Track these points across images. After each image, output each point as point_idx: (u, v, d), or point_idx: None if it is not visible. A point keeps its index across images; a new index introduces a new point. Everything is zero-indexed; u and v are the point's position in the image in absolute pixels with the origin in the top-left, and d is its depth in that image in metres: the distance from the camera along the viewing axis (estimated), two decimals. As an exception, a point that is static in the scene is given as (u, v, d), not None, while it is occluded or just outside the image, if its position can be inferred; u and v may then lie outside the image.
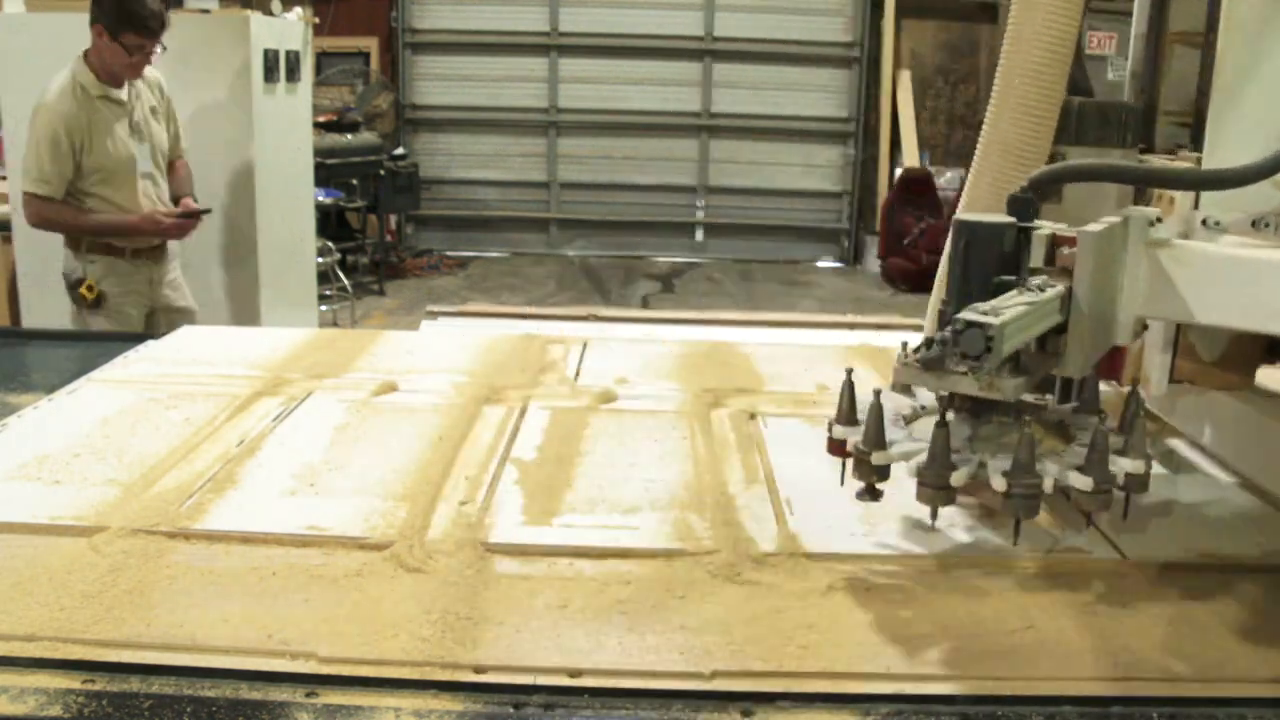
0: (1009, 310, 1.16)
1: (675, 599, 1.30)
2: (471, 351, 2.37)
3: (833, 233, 11.29)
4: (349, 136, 8.89)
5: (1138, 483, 1.33)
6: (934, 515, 1.35)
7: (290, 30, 5.37)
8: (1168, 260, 1.32)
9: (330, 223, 8.52)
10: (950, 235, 1.33)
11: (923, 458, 1.27)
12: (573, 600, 1.29)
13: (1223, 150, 1.35)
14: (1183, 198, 1.44)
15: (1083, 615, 1.29)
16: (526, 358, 2.32)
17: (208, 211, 3.87)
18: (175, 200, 3.90)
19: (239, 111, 4.86)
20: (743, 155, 11.16)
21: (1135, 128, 1.61)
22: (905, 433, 1.37)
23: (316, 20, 6.14)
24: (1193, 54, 1.70)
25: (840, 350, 2.48)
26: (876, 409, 1.31)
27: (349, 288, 7.67)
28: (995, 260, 1.29)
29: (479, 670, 1.15)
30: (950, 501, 1.30)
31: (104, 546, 1.38)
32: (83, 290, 3.65)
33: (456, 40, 10.90)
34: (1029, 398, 1.36)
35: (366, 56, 10.79)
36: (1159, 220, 1.36)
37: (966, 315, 1.12)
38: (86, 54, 3.58)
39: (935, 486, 1.26)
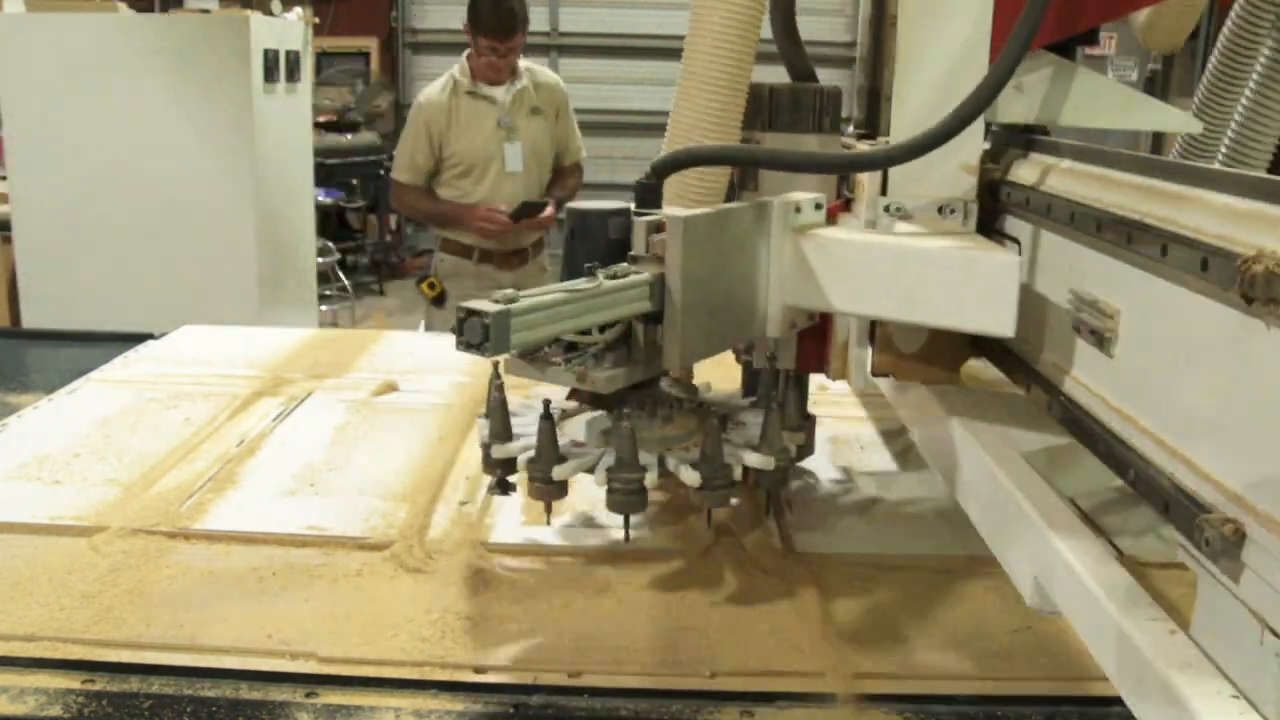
0: (532, 298, 1.07)
1: (675, 599, 1.30)
2: (471, 351, 2.37)
3: (833, 233, 11.28)
4: (349, 136, 8.89)
5: (805, 450, 1.36)
6: (548, 510, 1.33)
7: (290, 30, 5.37)
8: (808, 248, 1.26)
9: (330, 223, 8.52)
10: (566, 221, 1.30)
11: (601, 459, 1.24)
12: (572, 600, 1.29)
13: (901, 133, 1.27)
14: (871, 184, 1.32)
15: (1083, 615, 1.29)
16: (526, 358, 2.31)
17: (542, 206, 3.61)
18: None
19: (239, 111, 4.86)
20: (743, 155, 11.15)
21: (834, 112, 1.46)
22: (563, 436, 1.32)
23: (316, 20, 6.13)
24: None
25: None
26: (500, 402, 1.31)
27: (349, 288, 7.67)
28: (604, 249, 1.23)
29: (479, 670, 1.15)
30: (561, 496, 1.26)
31: (104, 546, 1.38)
32: (424, 286, 3.74)
33: (456, 40, 10.86)
34: (675, 391, 1.37)
35: (366, 56, 10.79)
36: (818, 206, 1.31)
37: (470, 304, 1.03)
38: (468, 54, 3.64)
39: (627, 493, 1.21)
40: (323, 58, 9.75)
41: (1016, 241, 1.27)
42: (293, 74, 5.34)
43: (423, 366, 2.23)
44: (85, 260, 4.96)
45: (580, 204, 1.28)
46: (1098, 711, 1.12)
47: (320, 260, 6.45)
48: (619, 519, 1.50)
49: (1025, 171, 1.29)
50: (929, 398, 1.40)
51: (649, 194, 1.28)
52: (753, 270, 1.27)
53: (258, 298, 5.02)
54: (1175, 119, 1.54)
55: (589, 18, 10.79)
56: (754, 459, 1.25)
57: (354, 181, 8.77)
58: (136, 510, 1.48)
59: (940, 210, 1.31)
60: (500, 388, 1.32)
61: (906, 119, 1.28)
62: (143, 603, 1.26)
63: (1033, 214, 1.23)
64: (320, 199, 7.25)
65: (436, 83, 3.68)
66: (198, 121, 4.86)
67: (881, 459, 1.77)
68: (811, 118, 1.45)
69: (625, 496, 1.21)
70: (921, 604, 1.30)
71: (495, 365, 1.27)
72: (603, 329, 1.15)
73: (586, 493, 1.59)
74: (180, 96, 4.83)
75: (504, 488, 1.32)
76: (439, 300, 3.73)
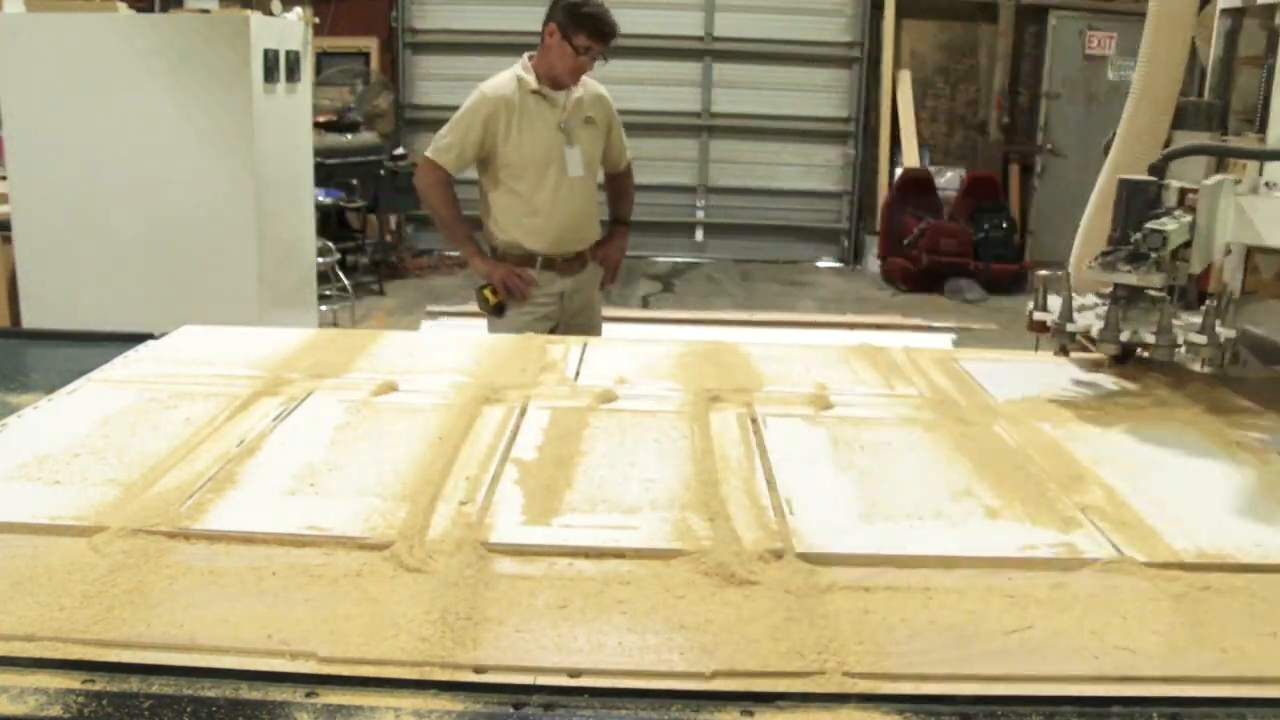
0: (1169, 224, 1.97)
1: (675, 599, 1.30)
2: (471, 351, 2.37)
3: (833, 233, 11.27)
4: (349, 136, 8.88)
5: (1231, 344, 2.16)
6: (1110, 359, 2.25)
7: (290, 30, 5.37)
8: (1248, 205, 2.14)
9: (330, 223, 8.51)
10: (1117, 189, 2.09)
11: (1100, 325, 2.08)
12: (573, 600, 1.29)
13: (1277, 137, 2.18)
14: (1251, 168, 2.20)
15: (1083, 615, 1.29)
16: (526, 358, 2.32)
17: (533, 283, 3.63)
18: (614, 220, 3.92)
19: (239, 111, 4.86)
20: (743, 155, 11.14)
21: (1219, 119, 2.49)
22: (1078, 318, 2.14)
23: (316, 20, 6.13)
24: (1256, 70, 2.49)
25: (840, 350, 2.48)
26: (1068, 299, 2.13)
27: (349, 288, 7.66)
28: (1145, 203, 2.06)
29: (479, 670, 1.15)
30: (1118, 351, 2.15)
31: (104, 546, 1.38)
32: (486, 293, 3.64)
33: (456, 40, 10.89)
34: (1156, 293, 2.07)
35: (366, 56, 10.78)
36: (1238, 181, 2.17)
37: (1149, 226, 1.95)
38: (531, 56, 3.61)
39: (1111, 341, 2.07)
40: (323, 58, 9.75)
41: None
42: (293, 74, 5.34)
43: (423, 366, 2.23)
44: (85, 260, 4.96)
45: (1128, 177, 2.10)
46: (1097, 711, 1.13)
47: (320, 260, 6.44)
48: (618, 519, 1.51)
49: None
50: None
51: (1158, 171, 2.11)
52: (1214, 218, 2.12)
53: (258, 298, 5.02)
54: None
55: (589, 18, 10.77)
56: (1195, 338, 2.07)
57: (354, 181, 8.76)
58: (136, 510, 1.48)
59: None
60: (1069, 284, 2.18)
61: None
62: (143, 603, 1.26)
63: None
64: (320, 199, 7.24)
65: (501, 77, 3.61)
66: (198, 121, 4.86)
67: (882, 459, 1.77)
68: (1207, 122, 2.47)
69: (1166, 349, 2.06)
70: (921, 604, 1.30)
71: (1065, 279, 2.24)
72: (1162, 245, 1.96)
73: (587, 493, 1.60)
74: (180, 96, 4.83)
75: (1065, 352, 2.26)
76: (500, 309, 3.65)
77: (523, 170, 3.57)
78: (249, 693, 1.11)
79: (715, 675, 1.15)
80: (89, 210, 4.93)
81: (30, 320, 4.96)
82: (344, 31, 10.41)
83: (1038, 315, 2.18)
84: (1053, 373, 2.30)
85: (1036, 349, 2.22)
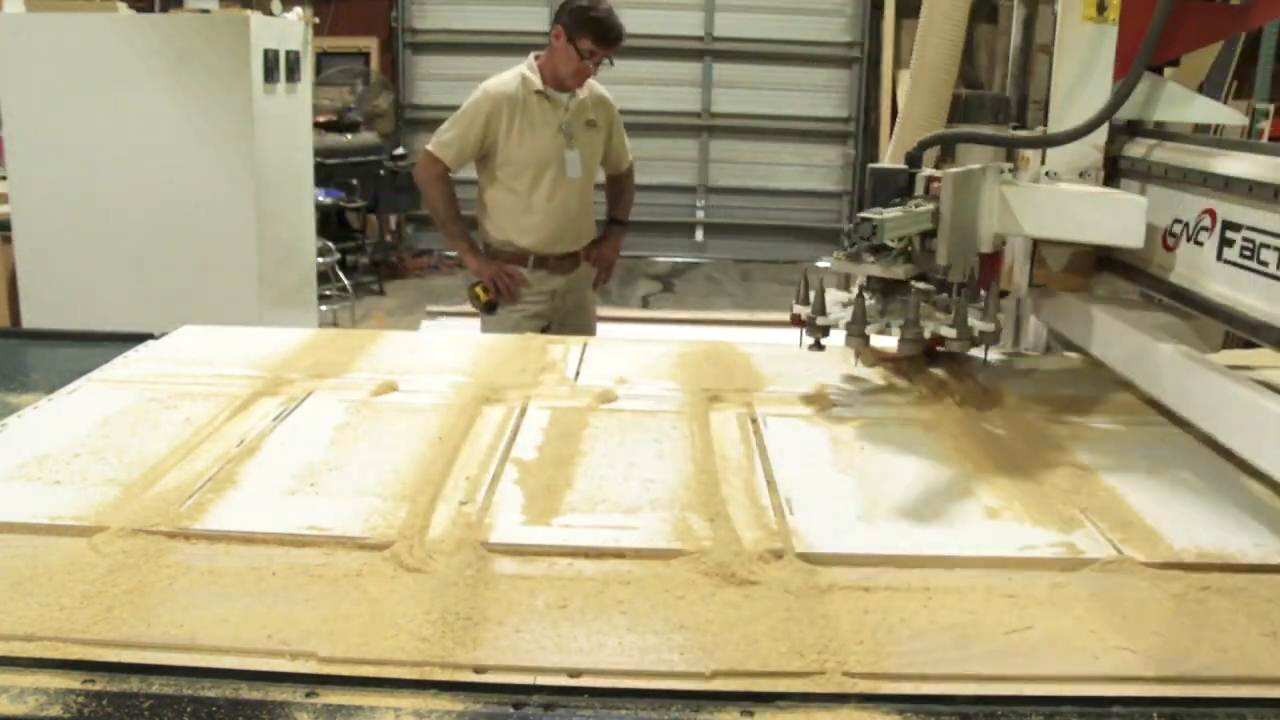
0: (889, 213, 1.86)
1: (675, 599, 1.30)
2: (471, 351, 2.37)
3: (833, 233, 11.27)
4: (349, 136, 8.88)
5: (991, 337, 2.00)
6: (856, 356, 2.18)
7: (290, 30, 5.37)
8: (1010, 194, 2.09)
9: (330, 223, 8.51)
10: (867, 177, 2.04)
11: (848, 317, 1.96)
12: (573, 600, 1.29)
13: (1058, 127, 2.14)
14: (1034, 157, 2.17)
15: (1083, 615, 1.29)
16: (526, 358, 2.31)
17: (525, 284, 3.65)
18: (610, 220, 3.92)
19: (239, 111, 4.86)
20: (743, 155, 11.15)
21: (1005, 111, 2.37)
22: (844, 311, 2.01)
23: (316, 20, 6.13)
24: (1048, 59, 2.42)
25: (839, 350, 2.47)
26: (821, 293, 2.00)
27: (349, 288, 7.67)
28: (892, 193, 1.99)
29: (479, 670, 1.15)
30: (866, 345, 2.04)
31: (104, 546, 1.38)
32: (477, 290, 3.65)
33: (456, 40, 10.89)
34: (923, 285, 2.02)
35: (366, 56, 10.78)
36: (1012, 170, 2.14)
37: (862, 215, 1.84)
38: (538, 56, 3.63)
39: (857, 335, 1.96)
40: (323, 58, 9.75)
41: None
42: (293, 74, 5.34)
43: (423, 366, 2.23)
44: (85, 260, 4.97)
45: (877, 165, 2.06)
46: (1098, 711, 1.13)
47: (320, 260, 6.44)
48: (618, 519, 1.51)
49: (1133, 149, 2.18)
50: (1069, 301, 2.27)
51: (913, 160, 2.04)
52: (977, 208, 2.09)
53: (258, 298, 5.02)
54: (1226, 114, 2.68)
55: (589, 18, 10.77)
56: (947, 331, 1.93)
57: (354, 181, 8.76)
58: (136, 510, 1.48)
59: (1080, 175, 2.16)
60: (821, 281, 2.07)
61: (1059, 116, 2.16)
62: (143, 603, 1.26)
63: (1138, 176, 2.14)
64: (320, 199, 7.25)
65: (506, 75, 3.62)
66: (198, 121, 4.86)
67: (882, 459, 1.77)
68: (991, 115, 2.34)
69: (912, 342, 1.93)
70: (921, 604, 1.30)
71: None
72: (901, 239, 1.92)
73: (587, 493, 1.60)
74: (180, 96, 4.83)
75: (819, 347, 2.04)
76: (491, 307, 3.65)
77: (522, 169, 3.57)
78: (249, 693, 1.11)
79: (715, 675, 1.15)
80: (89, 210, 4.93)
81: (30, 320, 4.96)
82: (344, 31, 10.41)
83: (796, 308, 2.06)
84: (1053, 372, 2.31)
85: (800, 345, 2.05)
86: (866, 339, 1.98)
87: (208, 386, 2.06)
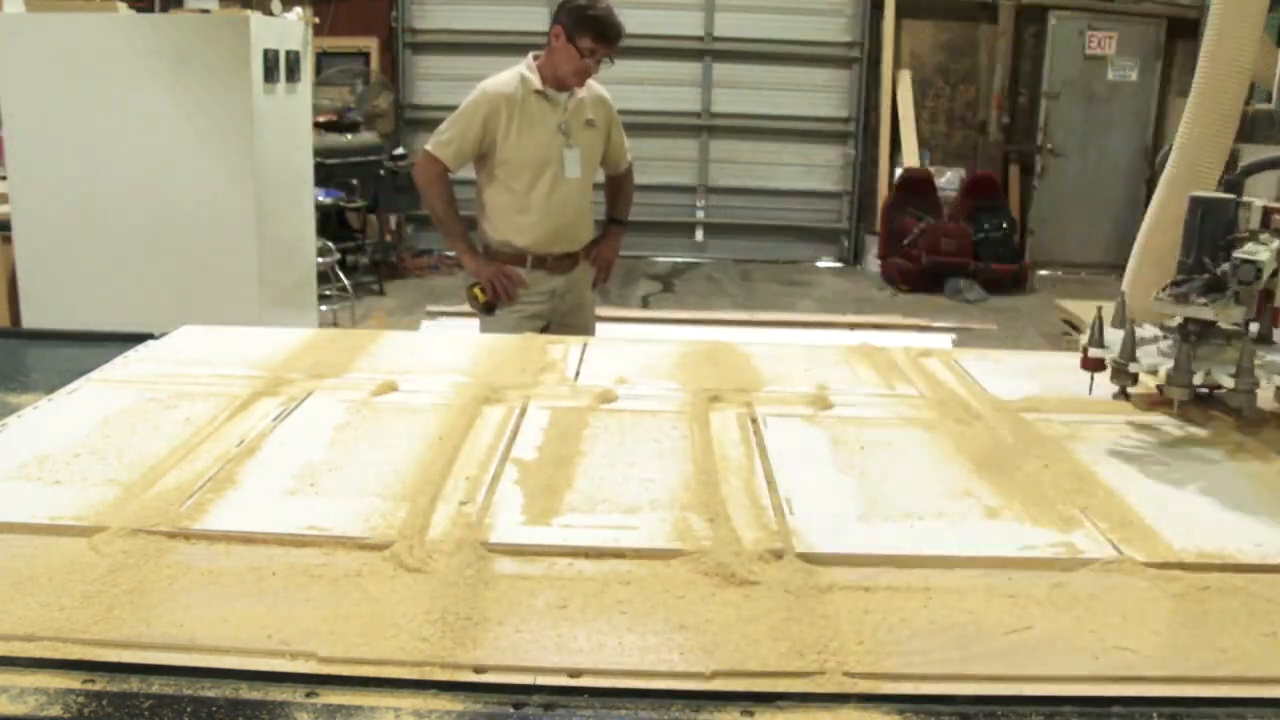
0: (1262, 253, 1.74)
1: (675, 599, 1.30)
2: (471, 351, 2.37)
3: (833, 233, 11.27)
4: (349, 136, 8.88)
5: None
6: (1176, 406, 1.92)
7: (290, 30, 5.37)
8: None
9: (330, 223, 8.50)
10: (1187, 208, 1.86)
11: (1170, 366, 1.83)
12: (573, 600, 1.29)
13: None
14: None
15: (1083, 615, 1.29)
16: (526, 358, 2.31)
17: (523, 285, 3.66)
18: (610, 220, 3.91)
19: (239, 111, 4.86)
20: (743, 155, 11.14)
21: None
22: (1139, 354, 1.89)
23: (316, 20, 6.13)
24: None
25: (840, 350, 2.48)
26: (1131, 334, 1.86)
27: (349, 288, 7.66)
28: (1221, 225, 1.82)
29: (479, 670, 1.15)
30: (1191, 398, 1.86)
31: (104, 546, 1.38)
32: (475, 290, 3.66)
33: (456, 40, 10.89)
34: (1230, 327, 1.86)
35: (366, 56, 10.78)
36: None
37: (1240, 255, 1.73)
38: (537, 56, 3.64)
39: (1181, 385, 1.82)
40: (323, 58, 9.75)
41: None
42: (293, 74, 5.34)
43: (423, 366, 2.23)
44: (85, 260, 4.96)
45: (1201, 194, 1.86)
46: (1097, 711, 1.12)
47: (320, 260, 6.44)
48: (618, 519, 1.51)
49: None
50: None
51: (1234, 188, 1.88)
52: None
53: (258, 298, 5.02)
54: None
55: (589, 18, 10.77)
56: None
57: (354, 181, 8.76)
58: (136, 510, 1.48)
59: None
60: (1132, 322, 1.91)
61: None
62: (143, 603, 1.26)
63: None
64: (320, 199, 7.24)
65: (504, 75, 3.63)
66: (198, 121, 4.86)
67: (882, 459, 1.77)
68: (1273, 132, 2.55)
69: (1246, 395, 1.82)
70: (921, 604, 1.30)
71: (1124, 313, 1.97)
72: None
73: (587, 493, 1.60)
74: (180, 96, 4.83)
75: (1126, 396, 1.94)
76: (489, 308, 3.66)
77: (520, 169, 3.57)
78: (249, 693, 1.11)
79: (715, 675, 1.15)
80: (89, 210, 4.93)
81: (30, 320, 4.96)
82: (344, 31, 10.41)
83: (1094, 351, 1.91)
84: (1052, 371, 2.30)
85: (1091, 391, 1.94)
86: (1193, 390, 1.83)
87: (208, 386, 2.06)
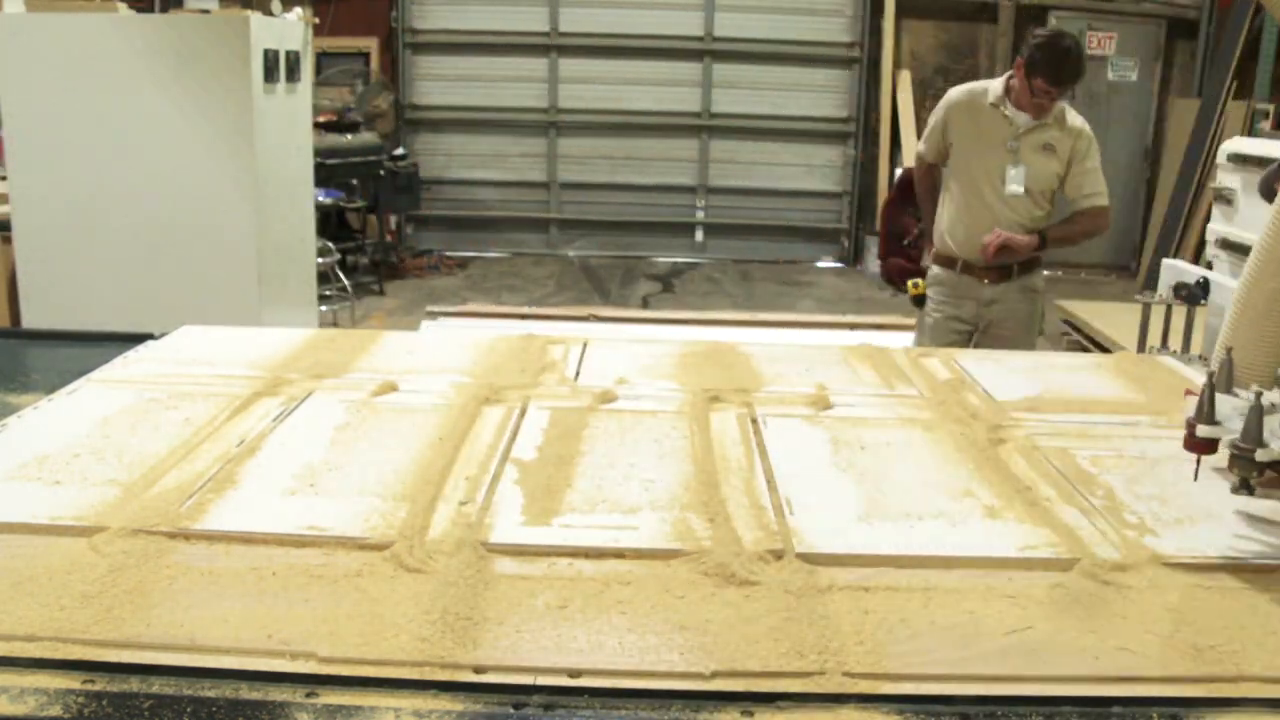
0: None
1: (675, 599, 1.30)
2: (471, 351, 2.37)
3: (832, 233, 11.27)
4: (349, 136, 8.87)
5: None
6: (1245, 487, 1.50)
7: (290, 30, 5.37)
8: None
9: (330, 223, 8.50)
10: None
11: None
12: (573, 600, 1.29)
13: None
14: None
15: (1083, 615, 1.29)
16: (526, 358, 2.31)
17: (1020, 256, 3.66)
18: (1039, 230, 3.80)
19: (239, 111, 4.86)
20: (743, 155, 11.14)
21: None
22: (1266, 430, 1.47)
23: (316, 20, 6.13)
24: None
25: (840, 350, 2.48)
26: (1258, 409, 1.43)
27: (349, 288, 7.66)
28: None
29: (479, 670, 1.15)
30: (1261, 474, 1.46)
31: (104, 546, 1.38)
32: (910, 284, 3.89)
33: (456, 40, 10.88)
34: None
35: (366, 56, 10.78)
36: None
37: None
38: (1013, 76, 3.65)
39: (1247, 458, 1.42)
40: (323, 58, 9.75)
41: None
42: (293, 74, 5.34)
43: (423, 366, 2.23)
44: (85, 260, 4.96)
45: None
46: (1097, 711, 1.13)
47: (320, 260, 6.44)
48: (618, 519, 1.50)
49: None
50: None
51: None
52: None
53: (258, 298, 5.02)
54: None
55: (589, 18, 10.78)
56: None
57: (354, 181, 8.76)
58: (136, 510, 1.48)
59: None
60: (1259, 395, 1.48)
61: None
62: (143, 603, 1.26)
63: None
64: (320, 199, 7.24)
65: (979, 82, 3.82)
66: (198, 121, 4.86)
67: (882, 459, 1.77)
68: None
69: None
70: (921, 604, 1.30)
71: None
72: None
73: (587, 493, 1.60)
74: (180, 96, 4.83)
75: (1249, 489, 1.48)
76: (920, 301, 3.88)
77: (962, 173, 3.69)
78: (249, 693, 1.11)
79: (715, 675, 1.15)
80: (89, 210, 4.93)
81: (30, 320, 4.95)
82: (344, 31, 10.41)
83: (1203, 430, 1.50)
84: (1053, 371, 2.31)
85: (1196, 477, 1.58)
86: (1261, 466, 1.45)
87: (208, 386, 2.06)
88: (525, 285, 9.68)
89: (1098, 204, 3.71)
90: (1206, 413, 1.49)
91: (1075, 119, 3.70)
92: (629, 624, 1.24)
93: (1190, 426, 1.51)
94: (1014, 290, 3.73)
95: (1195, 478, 1.58)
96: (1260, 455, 1.42)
